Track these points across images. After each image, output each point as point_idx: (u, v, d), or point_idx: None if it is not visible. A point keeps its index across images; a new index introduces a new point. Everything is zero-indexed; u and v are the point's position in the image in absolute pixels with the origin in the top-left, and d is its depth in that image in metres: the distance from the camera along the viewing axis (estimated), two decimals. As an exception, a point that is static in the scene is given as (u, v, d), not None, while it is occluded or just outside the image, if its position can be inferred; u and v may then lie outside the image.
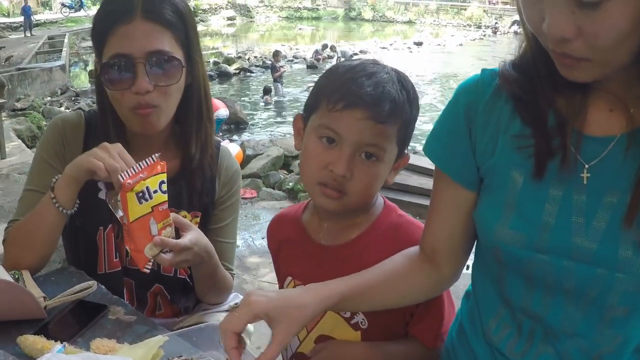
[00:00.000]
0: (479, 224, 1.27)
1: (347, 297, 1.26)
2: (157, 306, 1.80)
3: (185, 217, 1.68)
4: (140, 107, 1.56)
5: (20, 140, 9.80)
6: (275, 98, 16.60)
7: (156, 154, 1.44)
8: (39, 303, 1.40)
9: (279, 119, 14.45)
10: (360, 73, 1.35)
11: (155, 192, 1.41)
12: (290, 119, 14.27)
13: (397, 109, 1.35)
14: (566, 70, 1.03)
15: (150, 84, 1.54)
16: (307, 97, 1.46)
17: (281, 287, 1.61)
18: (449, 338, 1.48)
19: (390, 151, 1.39)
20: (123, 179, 1.37)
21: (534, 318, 1.23)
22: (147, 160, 1.42)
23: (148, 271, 1.45)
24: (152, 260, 1.43)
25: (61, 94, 16.35)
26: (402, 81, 1.39)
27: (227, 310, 1.87)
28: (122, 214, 1.41)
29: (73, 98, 15.87)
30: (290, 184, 7.59)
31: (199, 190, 1.76)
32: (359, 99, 1.31)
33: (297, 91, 17.59)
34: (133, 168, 1.41)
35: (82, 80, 20.22)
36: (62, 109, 14.67)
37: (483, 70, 1.27)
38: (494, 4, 49.00)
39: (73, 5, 42.37)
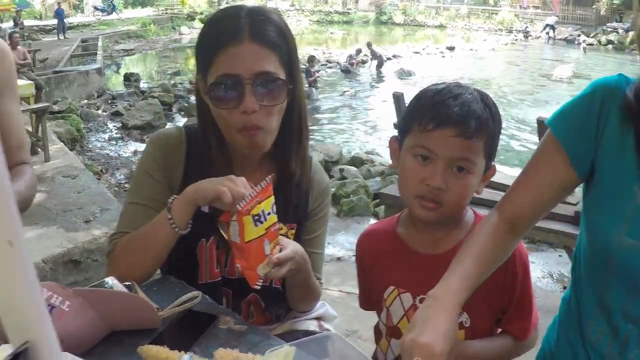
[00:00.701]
0: (594, 232, 1.35)
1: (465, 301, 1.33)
2: (250, 314, 1.83)
3: (281, 229, 1.71)
4: (247, 129, 1.60)
5: (62, 143, 9.91)
6: (311, 104, 16.54)
7: (268, 178, 1.50)
8: (157, 313, 1.43)
9: (315, 127, 14.36)
10: (447, 95, 1.50)
11: (268, 214, 1.47)
12: (327, 123, 14.32)
13: (483, 125, 1.49)
14: None
15: (257, 103, 1.57)
16: (399, 121, 1.62)
17: (378, 296, 1.70)
18: (546, 343, 1.62)
19: (479, 164, 1.53)
20: (241, 206, 1.44)
21: (634, 322, 1.30)
22: (260, 184, 1.47)
23: (259, 287, 1.51)
24: (263, 277, 1.49)
25: (98, 97, 16.58)
26: (485, 100, 1.54)
27: (315, 318, 1.94)
28: (232, 234, 1.47)
29: (109, 101, 16.09)
30: (332, 189, 7.60)
31: (295, 203, 1.81)
32: (447, 119, 1.46)
33: (333, 96, 17.57)
34: (249, 194, 1.46)
35: (116, 83, 20.44)
36: (100, 111, 14.87)
37: (620, 75, 1.34)
38: (525, 8, 48.71)
39: (105, 8, 42.97)
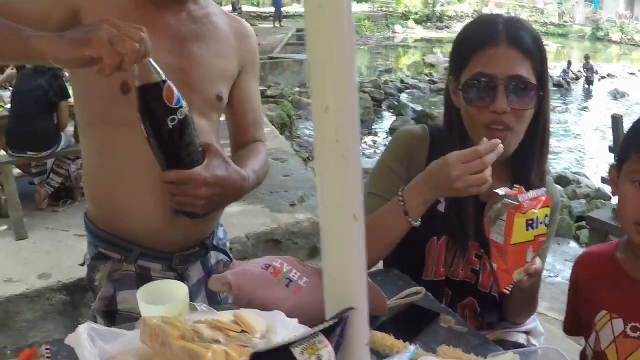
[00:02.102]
0: None
1: None
2: (464, 317, 1.86)
3: None
4: (495, 123, 1.63)
5: (273, 127, 10.37)
6: None
7: (543, 189, 1.49)
8: (387, 302, 1.51)
9: None
10: None
11: (541, 223, 1.46)
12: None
13: None
14: None
15: (508, 105, 1.62)
16: (617, 146, 1.64)
17: (588, 320, 1.68)
18: None
19: None
20: (519, 201, 1.42)
21: None
22: (535, 192, 1.47)
23: (508, 292, 1.51)
24: (514, 283, 1.49)
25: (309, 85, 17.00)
26: None
27: (524, 332, 1.94)
28: (496, 233, 1.47)
29: (322, 91, 16.46)
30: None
31: None
32: None
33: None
34: (527, 195, 1.45)
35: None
36: (310, 100, 15.26)
37: None
38: None
39: (323, 1, 44.12)
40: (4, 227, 5.51)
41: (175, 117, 1.39)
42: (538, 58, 1.67)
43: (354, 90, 0.81)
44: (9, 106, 5.92)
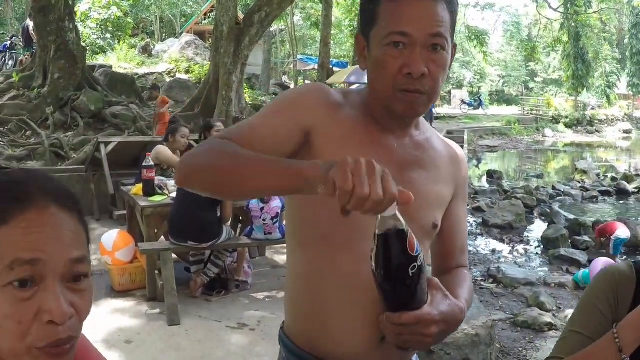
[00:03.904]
0: None
1: None
2: None
3: None
4: None
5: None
6: None
7: None
8: None
9: None
10: None
11: None
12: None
13: None
14: None
15: None
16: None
17: None
18: None
19: None
20: None
21: None
22: None
23: None
24: None
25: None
26: None
27: None
28: None
29: (472, 196, 16.19)
30: None
31: None
32: None
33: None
34: None
35: (474, 178, 20.78)
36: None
37: None
38: None
39: (472, 103, 44.44)
40: (157, 311, 5.68)
41: (415, 264, 1.36)
42: None
43: None
44: (173, 194, 6.14)
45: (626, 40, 53.28)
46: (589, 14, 40.09)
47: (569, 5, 33.30)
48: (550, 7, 33.59)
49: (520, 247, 11.02)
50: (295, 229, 1.75)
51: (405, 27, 1.53)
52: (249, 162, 1.41)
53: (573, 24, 40.55)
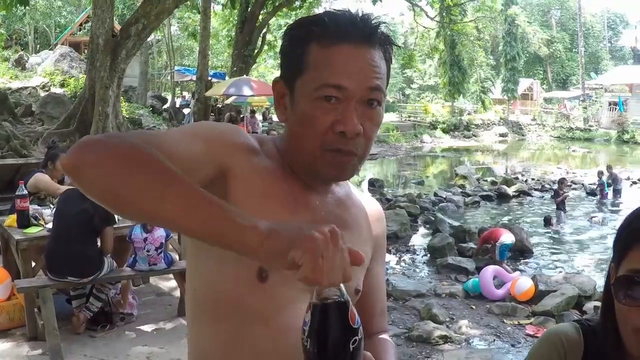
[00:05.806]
0: None
1: None
2: None
3: None
4: None
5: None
6: (557, 226, 15.31)
7: None
8: None
9: (562, 252, 13.23)
10: None
11: None
12: (579, 252, 13.25)
13: None
14: None
15: None
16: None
17: None
18: None
19: None
20: None
21: None
22: None
23: None
24: None
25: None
26: None
27: None
28: None
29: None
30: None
31: None
32: None
33: (579, 222, 16.43)
34: None
35: (359, 184, 20.95)
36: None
37: None
38: None
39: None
40: (39, 351, 5.31)
41: (356, 338, 1.21)
42: None
43: None
44: (49, 225, 5.75)
45: (500, 47, 56.03)
46: (465, 22, 41.53)
47: (444, 14, 34.26)
48: (428, 16, 34.46)
49: (407, 257, 11.19)
50: (198, 293, 1.52)
51: (340, 80, 1.36)
52: (184, 187, 1.14)
53: (449, 32, 41.94)
